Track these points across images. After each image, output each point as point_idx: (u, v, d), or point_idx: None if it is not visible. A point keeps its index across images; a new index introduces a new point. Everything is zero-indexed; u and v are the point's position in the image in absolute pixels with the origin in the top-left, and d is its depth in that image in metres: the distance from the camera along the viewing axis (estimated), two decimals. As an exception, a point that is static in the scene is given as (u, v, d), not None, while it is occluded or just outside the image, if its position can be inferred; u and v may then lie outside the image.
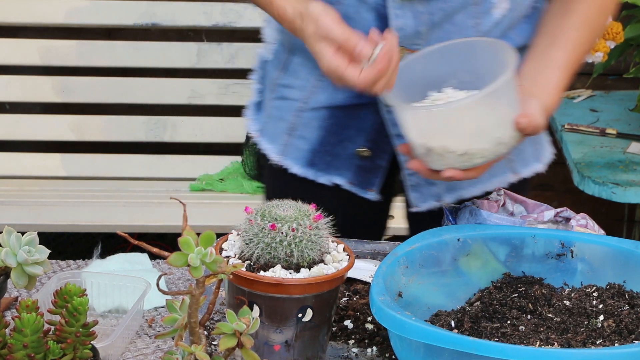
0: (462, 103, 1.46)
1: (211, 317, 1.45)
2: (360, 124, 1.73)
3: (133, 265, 1.63)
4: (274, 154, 1.80)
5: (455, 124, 1.45)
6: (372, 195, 1.77)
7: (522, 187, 1.79)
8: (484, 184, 1.75)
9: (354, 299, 1.54)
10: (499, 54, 1.50)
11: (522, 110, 1.50)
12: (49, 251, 1.37)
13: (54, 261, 1.65)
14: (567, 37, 1.63)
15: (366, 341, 1.43)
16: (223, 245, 1.36)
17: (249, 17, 3.43)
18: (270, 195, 1.87)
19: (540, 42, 1.64)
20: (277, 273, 1.28)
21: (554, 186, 3.60)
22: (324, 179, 1.77)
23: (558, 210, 1.63)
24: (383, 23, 1.61)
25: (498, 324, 1.34)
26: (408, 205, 1.79)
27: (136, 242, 1.14)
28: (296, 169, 1.78)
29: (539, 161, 1.83)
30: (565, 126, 2.91)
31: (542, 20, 1.68)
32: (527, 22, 1.70)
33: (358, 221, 1.80)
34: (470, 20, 1.62)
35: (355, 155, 1.75)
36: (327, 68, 1.48)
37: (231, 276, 1.24)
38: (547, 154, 1.86)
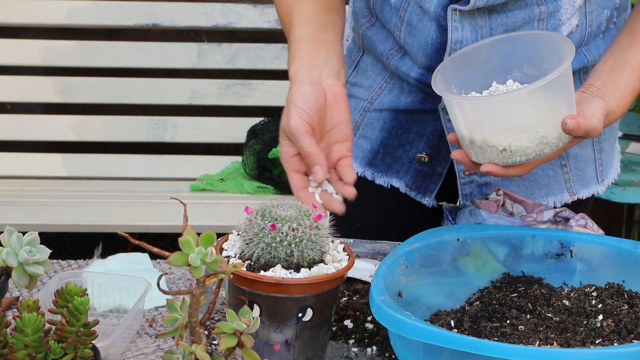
0: (504, 97, 1.43)
1: (211, 316, 1.46)
2: (421, 129, 1.73)
3: (134, 265, 1.64)
4: None
5: (496, 118, 1.41)
6: (428, 201, 1.77)
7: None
8: (537, 201, 1.72)
9: (354, 298, 1.54)
10: (562, 51, 1.44)
11: (580, 111, 1.43)
12: (50, 251, 1.37)
13: (54, 261, 1.65)
14: None
15: (366, 341, 1.43)
16: (223, 245, 1.36)
17: (249, 17, 3.43)
18: None
19: (620, 41, 1.56)
20: (277, 273, 1.28)
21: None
22: (382, 180, 1.77)
23: (557, 210, 1.64)
24: (443, 34, 1.60)
25: (497, 324, 1.34)
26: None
27: (137, 242, 1.14)
28: (355, 167, 1.77)
29: (600, 183, 1.77)
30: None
31: (628, 17, 1.60)
32: (604, 38, 1.65)
33: (411, 225, 1.75)
34: None
35: (415, 160, 1.75)
36: (283, 162, 1.46)
37: (231, 276, 1.24)
38: (612, 175, 1.80)
